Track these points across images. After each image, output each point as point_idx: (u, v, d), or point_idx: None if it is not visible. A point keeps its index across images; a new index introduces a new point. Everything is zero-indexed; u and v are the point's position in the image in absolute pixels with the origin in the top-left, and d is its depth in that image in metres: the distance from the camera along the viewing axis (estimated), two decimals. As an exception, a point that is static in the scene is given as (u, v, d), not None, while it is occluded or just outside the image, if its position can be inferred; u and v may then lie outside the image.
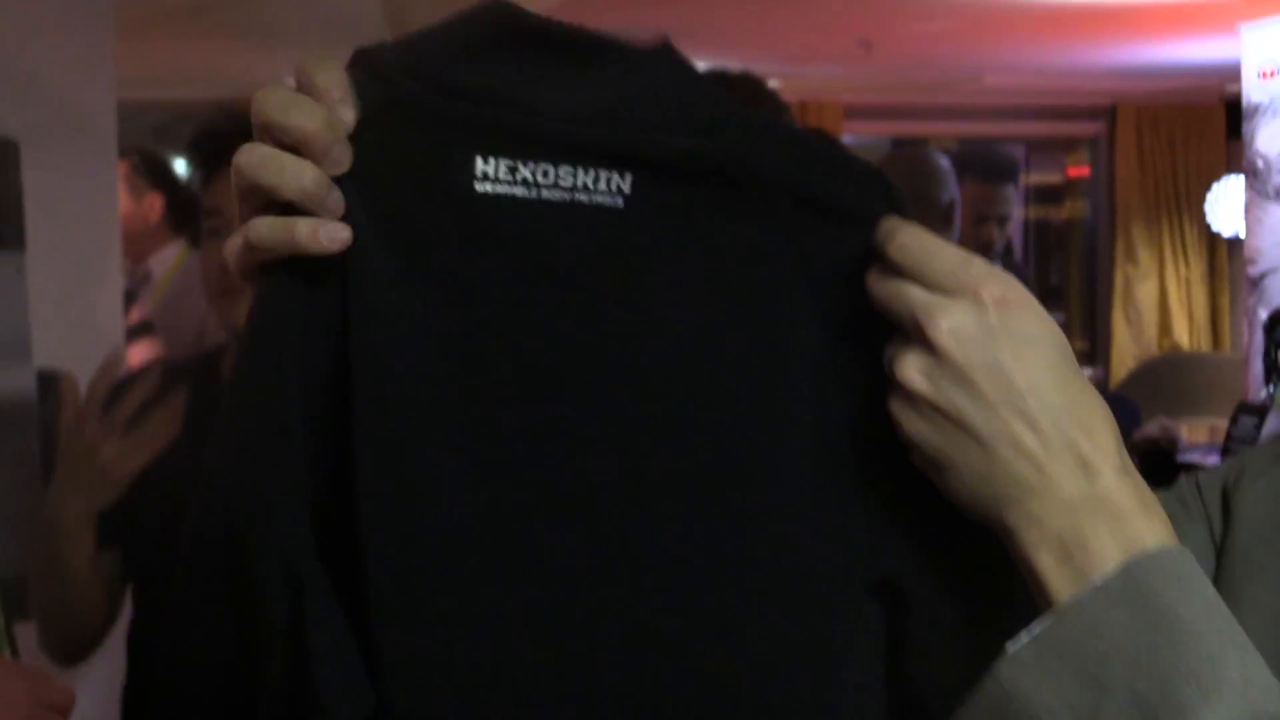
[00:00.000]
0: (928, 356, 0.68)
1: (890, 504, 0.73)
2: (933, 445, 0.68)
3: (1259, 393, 3.46)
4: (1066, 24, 5.25)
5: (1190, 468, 3.67)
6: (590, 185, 0.70)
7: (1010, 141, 8.11)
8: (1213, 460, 3.67)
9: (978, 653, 0.71)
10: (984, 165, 3.47)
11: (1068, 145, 8.57)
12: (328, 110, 0.67)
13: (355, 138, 0.69)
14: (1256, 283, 4.05)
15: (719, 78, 2.26)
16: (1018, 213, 7.08)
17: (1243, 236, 4.43)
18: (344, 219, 0.68)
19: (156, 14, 4.81)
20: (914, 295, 0.69)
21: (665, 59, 0.73)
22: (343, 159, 0.68)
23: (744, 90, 2.49)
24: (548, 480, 0.71)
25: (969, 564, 0.73)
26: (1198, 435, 4.44)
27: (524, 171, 0.69)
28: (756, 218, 0.72)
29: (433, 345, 0.69)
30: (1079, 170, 8.52)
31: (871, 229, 0.71)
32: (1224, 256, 8.06)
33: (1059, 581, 0.66)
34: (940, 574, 0.73)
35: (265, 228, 0.67)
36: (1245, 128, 4.04)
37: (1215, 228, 7.37)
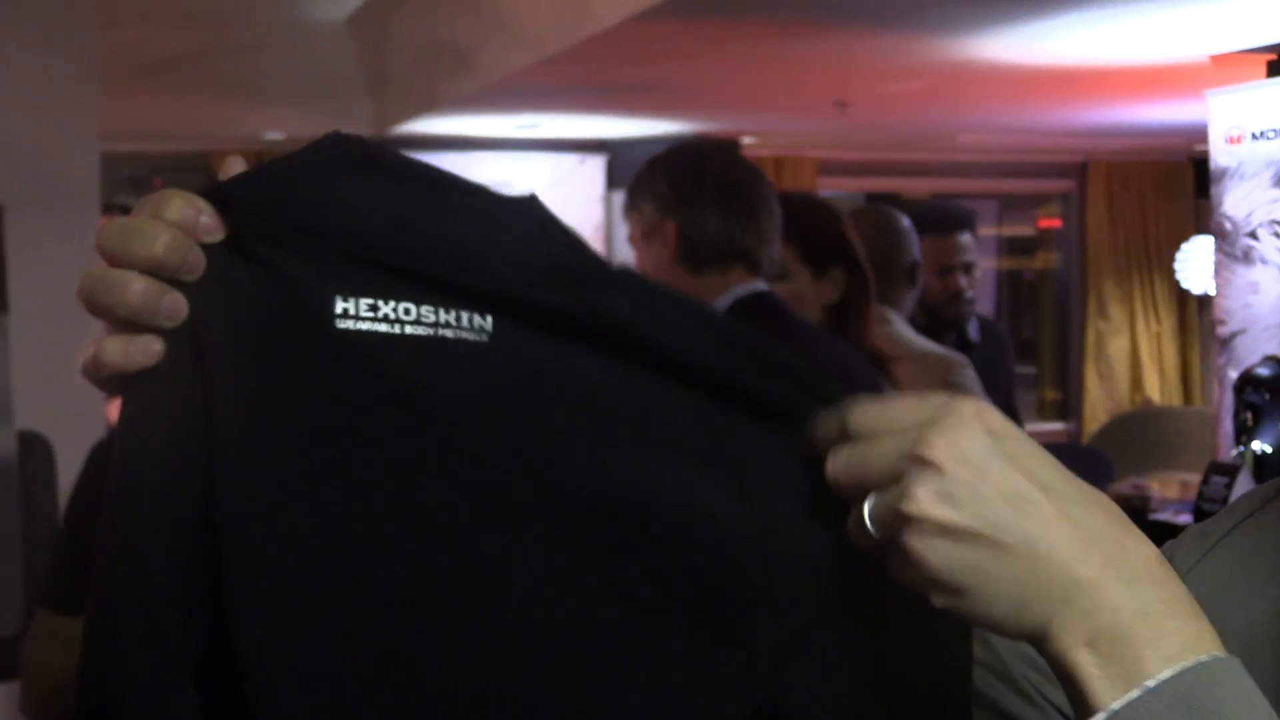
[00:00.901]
0: (935, 480, 0.66)
1: (786, 630, 0.73)
2: (964, 567, 0.66)
3: (1230, 452, 3.49)
4: (1038, 85, 5.32)
5: (1163, 526, 3.70)
6: (454, 322, 0.70)
7: (982, 197, 8.19)
8: (1184, 519, 3.70)
9: None
10: (937, 218, 3.55)
11: (1040, 198, 8.66)
12: (171, 232, 0.67)
13: (214, 274, 0.68)
14: (1226, 342, 4.09)
15: (784, 199, 2.32)
16: (985, 262, 7.15)
17: (1212, 294, 4.48)
18: (203, 334, 0.68)
19: (134, 69, 4.83)
20: (887, 442, 0.68)
21: (525, 205, 0.72)
22: (195, 266, 0.67)
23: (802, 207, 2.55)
24: (425, 616, 0.70)
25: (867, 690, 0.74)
26: (1169, 490, 4.46)
27: (385, 309, 0.68)
28: (615, 370, 0.72)
29: (296, 480, 0.69)
30: (1050, 222, 8.60)
31: (750, 394, 0.72)
32: (1194, 312, 8.14)
33: (1104, 684, 0.63)
34: (834, 700, 0.73)
35: (104, 349, 0.67)
36: (1214, 191, 4.09)
37: (1185, 285, 7.44)
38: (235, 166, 0.71)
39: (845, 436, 0.70)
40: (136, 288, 0.66)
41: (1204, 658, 0.62)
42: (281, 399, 0.69)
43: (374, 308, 0.68)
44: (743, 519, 0.72)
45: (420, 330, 0.69)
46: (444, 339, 0.69)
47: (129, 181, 6.00)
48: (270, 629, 0.68)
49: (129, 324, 0.67)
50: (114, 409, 3.23)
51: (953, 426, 0.67)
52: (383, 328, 0.68)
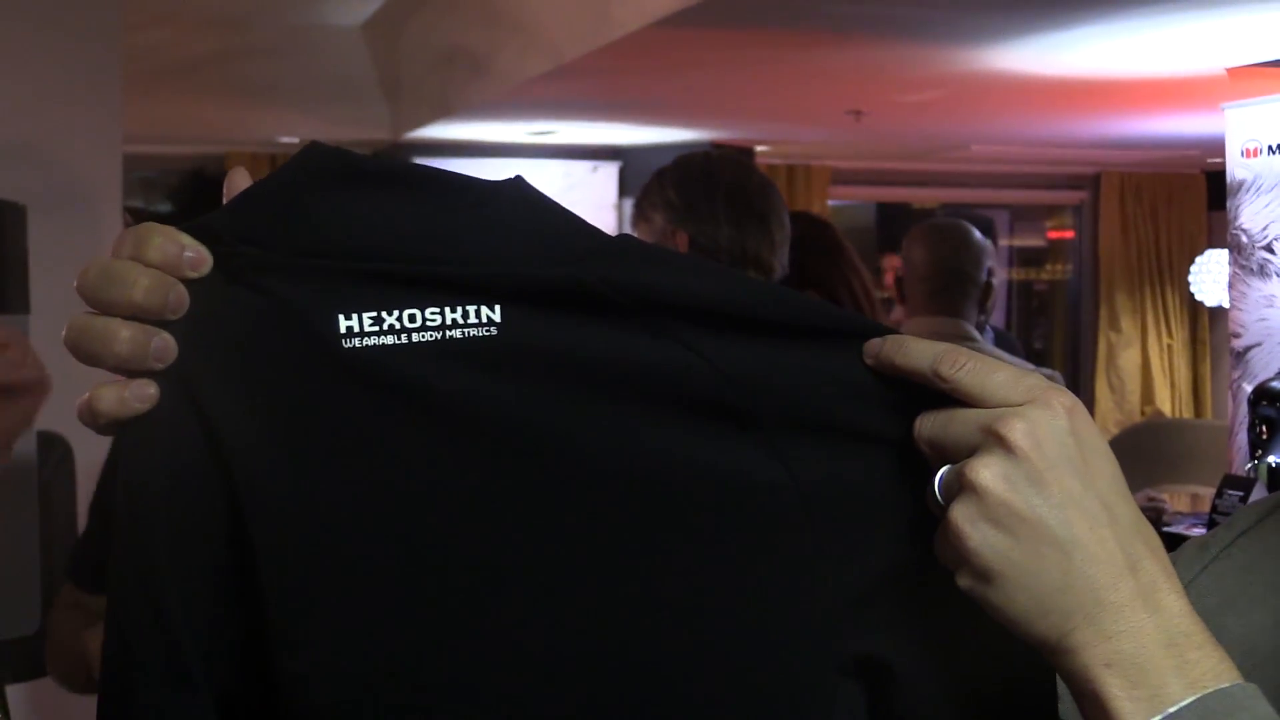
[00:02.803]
0: (1005, 460, 0.66)
1: (869, 579, 0.72)
2: (1000, 553, 0.65)
3: (1244, 466, 3.49)
4: (1054, 96, 5.31)
5: (1176, 538, 3.70)
6: (460, 320, 0.69)
7: (994, 208, 8.18)
8: (1197, 532, 3.70)
9: None
10: None
11: (1051, 208, 8.65)
12: (151, 275, 0.67)
13: (209, 308, 0.68)
14: (1241, 356, 4.09)
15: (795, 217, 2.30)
16: (1001, 273, 7.13)
17: (1225, 306, 4.47)
18: (196, 370, 0.68)
19: (153, 72, 4.84)
20: (977, 413, 0.68)
21: (514, 189, 0.71)
22: (178, 305, 0.67)
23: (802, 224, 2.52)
24: (476, 613, 0.70)
25: (957, 639, 0.72)
26: (1179, 503, 4.45)
27: (390, 320, 0.68)
28: (647, 334, 0.70)
29: (325, 503, 0.69)
30: (1061, 233, 8.59)
31: (793, 332, 0.71)
32: (1206, 324, 8.12)
33: (1129, 705, 0.63)
34: (929, 652, 0.72)
35: (98, 397, 0.67)
36: (1230, 204, 4.09)
37: (1199, 298, 7.43)
38: (240, 180, 0.70)
39: (928, 379, 0.69)
40: (123, 336, 0.66)
41: (1225, 684, 0.63)
42: (296, 425, 0.68)
43: (378, 320, 0.68)
44: (776, 472, 0.71)
45: (428, 335, 0.69)
46: (453, 339, 0.69)
47: (142, 183, 6.00)
48: (319, 656, 0.68)
49: (120, 370, 0.67)
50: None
51: (1040, 413, 0.66)
52: (390, 339, 0.68)
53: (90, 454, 2.19)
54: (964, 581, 0.67)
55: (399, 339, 0.68)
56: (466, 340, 0.69)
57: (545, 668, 0.70)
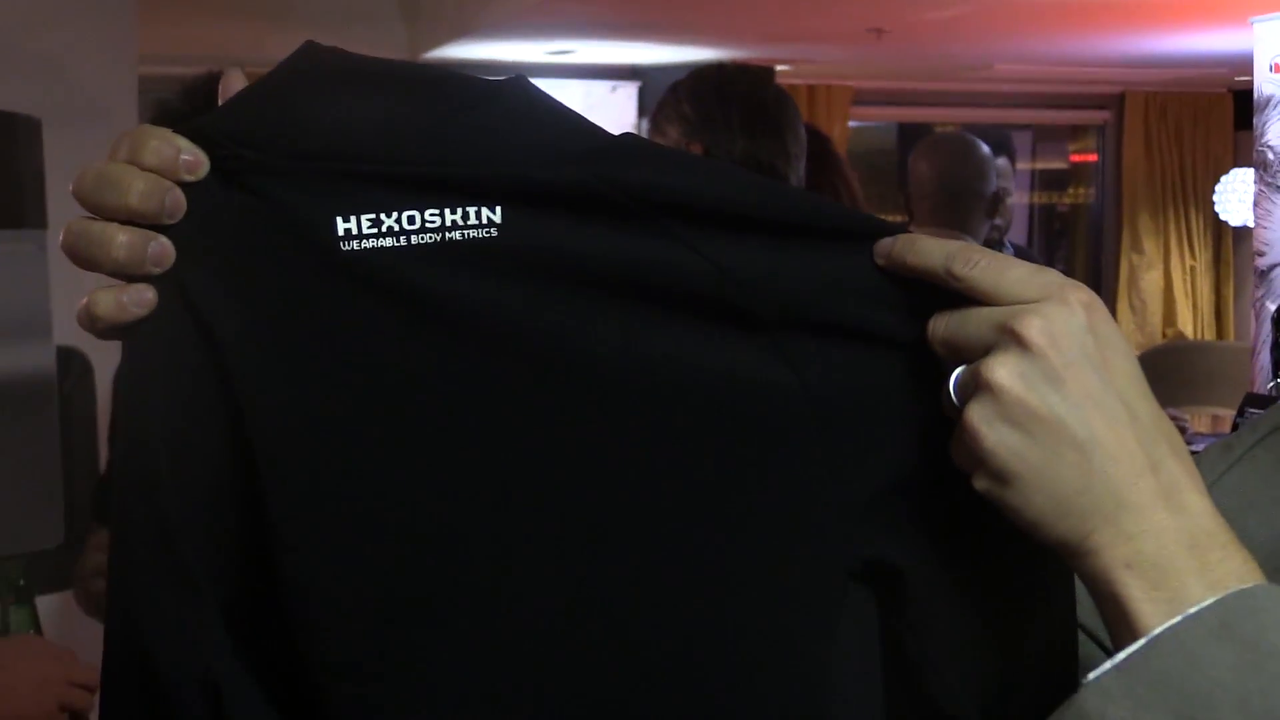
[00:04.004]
0: (1021, 358, 0.64)
1: (882, 483, 0.71)
2: (1017, 454, 0.64)
3: (1266, 385, 3.47)
4: (1077, 14, 5.25)
5: (1196, 457, 3.68)
6: (460, 222, 0.68)
7: (1017, 128, 8.11)
8: (1218, 451, 3.68)
9: (987, 639, 0.71)
10: None
11: (1074, 132, 8.57)
12: (146, 179, 0.66)
13: (206, 211, 0.67)
14: (1265, 274, 4.06)
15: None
16: (1018, 196, 7.08)
17: (1251, 226, 4.44)
18: (194, 275, 0.67)
19: (169, -9, 4.80)
20: (992, 311, 0.66)
21: (517, 88, 0.70)
22: (174, 209, 0.66)
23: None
24: (479, 528, 0.69)
25: (972, 546, 0.71)
26: (1200, 424, 4.45)
27: (388, 222, 0.67)
28: (650, 235, 0.69)
29: (325, 407, 0.68)
30: (1084, 156, 8.52)
31: (811, 236, 0.69)
32: (1229, 246, 8.07)
33: (1149, 607, 0.62)
34: (941, 557, 0.71)
35: (96, 301, 0.67)
36: (1256, 120, 4.04)
37: (1223, 218, 7.37)
38: (236, 82, 0.69)
39: (941, 277, 0.67)
40: (120, 240, 0.65)
41: (1247, 585, 0.62)
42: (295, 329, 0.68)
43: (376, 222, 0.67)
44: (784, 375, 0.70)
45: (427, 238, 0.67)
46: (453, 241, 0.68)
47: (157, 104, 5.98)
48: (320, 559, 0.68)
49: (118, 275, 0.67)
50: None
51: (1056, 309, 0.64)
52: (388, 242, 0.67)
53: (108, 369, 2.20)
54: (981, 483, 0.65)
55: (398, 241, 0.67)
56: (467, 242, 0.68)
57: (551, 576, 0.70)
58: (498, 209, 0.68)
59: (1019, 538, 0.66)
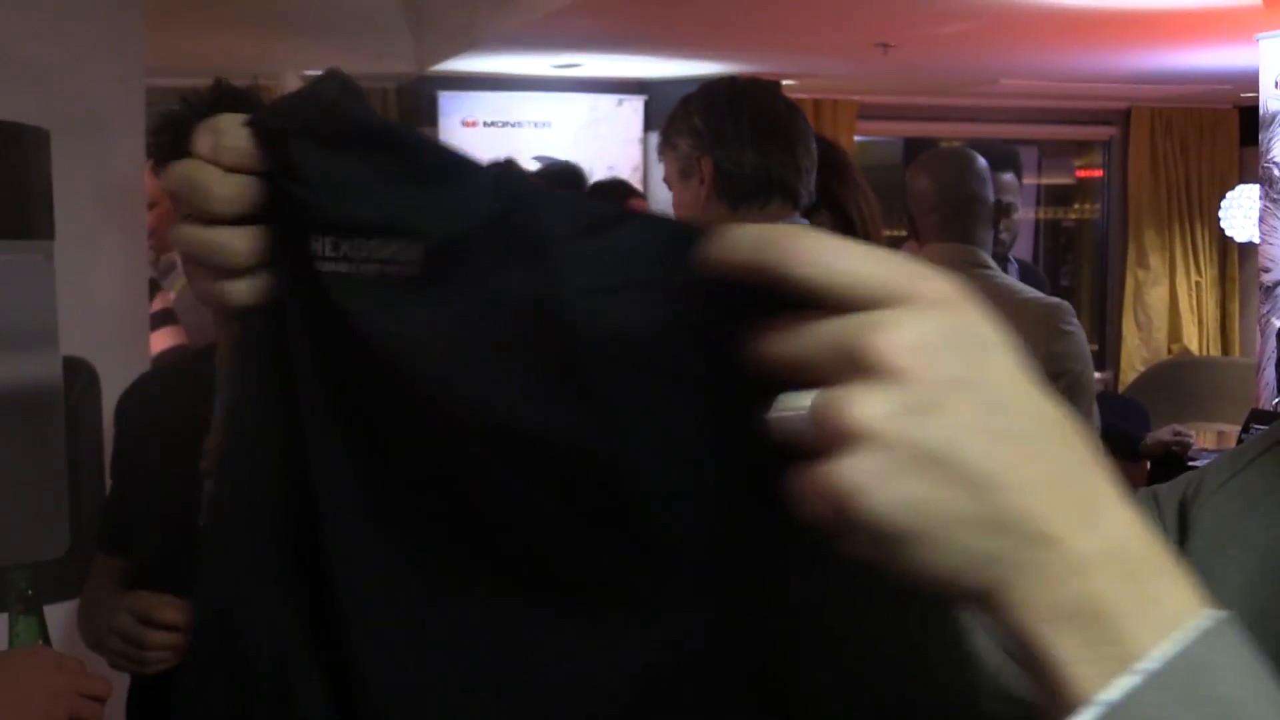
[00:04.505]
0: (884, 390, 0.50)
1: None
2: (908, 510, 0.50)
3: (1271, 400, 3.47)
4: (1083, 29, 5.25)
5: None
6: (394, 256, 0.67)
7: (1023, 143, 8.12)
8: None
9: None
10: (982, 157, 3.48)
11: (1080, 147, 8.58)
12: (229, 183, 0.70)
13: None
14: (1270, 290, 4.06)
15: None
16: (1024, 211, 7.08)
17: (1256, 243, 4.43)
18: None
19: (177, 3, 4.82)
20: (832, 326, 0.52)
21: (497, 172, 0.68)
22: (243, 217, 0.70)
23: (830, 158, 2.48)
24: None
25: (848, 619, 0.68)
26: (1205, 440, 4.44)
27: (344, 247, 0.68)
28: (539, 276, 0.64)
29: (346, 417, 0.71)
30: (1089, 172, 8.53)
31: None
32: (1235, 261, 8.07)
33: (1086, 668, 0.49)
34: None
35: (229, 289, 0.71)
36: (1262, 136, 4.05)
37: (1229, 234, 7.37)
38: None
39: (754, 273, 0.54)
40: (239, 245, 0.70)
41: (1201, 623, 0.51)
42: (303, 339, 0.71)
43: (336, 245, 0.68)
44: (599, 439, 0.63)
45: (370, 268, 0.68)
46: (387, 274, 0.68)
47: (164, 116, 5.99)
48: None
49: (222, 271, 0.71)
50: (157, 338, 3.24)
51: (910, 317, 0.51)
52: (344, 267, 0.68)
53: (115, 381, 2.20)
54: (864, 548, 0.51)
55: (351, 267, 0.68)
56: (395, 278, 0.68)
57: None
58: (418, 246, 0.67)
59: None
